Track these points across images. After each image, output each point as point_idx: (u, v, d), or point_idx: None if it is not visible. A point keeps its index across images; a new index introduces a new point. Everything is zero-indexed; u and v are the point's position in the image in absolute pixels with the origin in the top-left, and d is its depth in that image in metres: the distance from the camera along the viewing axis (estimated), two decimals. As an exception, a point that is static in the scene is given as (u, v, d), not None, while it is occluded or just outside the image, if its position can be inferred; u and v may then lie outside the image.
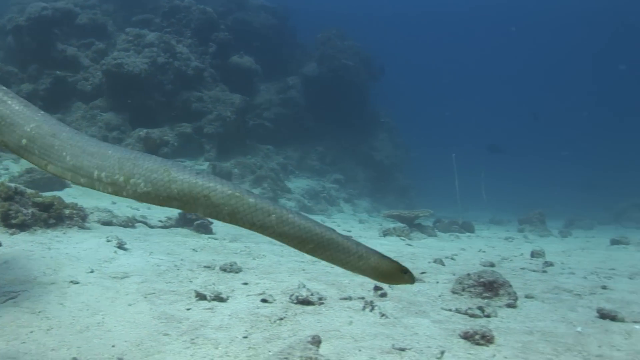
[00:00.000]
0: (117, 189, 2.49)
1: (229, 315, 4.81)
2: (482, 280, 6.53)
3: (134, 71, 19.07)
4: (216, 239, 9.77)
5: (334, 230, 2.68)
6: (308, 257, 8.58)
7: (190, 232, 10.27)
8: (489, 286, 6.48)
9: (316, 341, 3.68)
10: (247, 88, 24.41)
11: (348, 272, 6.88)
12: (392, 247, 11.58)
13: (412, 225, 16.10)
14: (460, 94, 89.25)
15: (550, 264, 10.68)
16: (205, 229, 10.37)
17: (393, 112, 36.50)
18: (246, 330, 4.43)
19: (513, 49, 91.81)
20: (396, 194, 28.75)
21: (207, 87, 22.20)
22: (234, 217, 2.53)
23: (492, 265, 9.94)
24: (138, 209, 12.72)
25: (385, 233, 14.58)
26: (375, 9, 79.37)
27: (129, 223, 10.14)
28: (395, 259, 2.77)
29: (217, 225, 11.41)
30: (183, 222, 10.70)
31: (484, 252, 12.66)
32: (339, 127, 27.69)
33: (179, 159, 19.10)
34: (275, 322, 4.64)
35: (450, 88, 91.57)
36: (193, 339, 4.16)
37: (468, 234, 18.87)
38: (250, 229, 2.57)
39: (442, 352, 4.21)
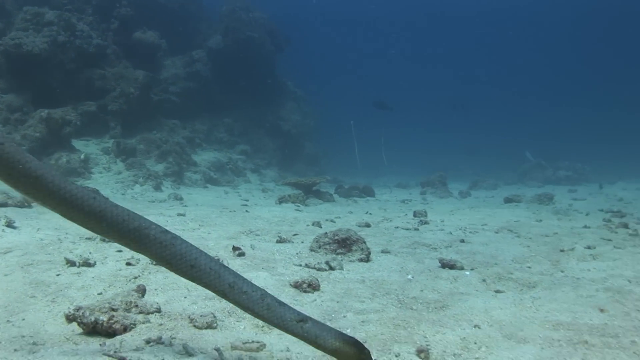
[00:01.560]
0: None
1: (93, 278, 5.35)
2: (336, 237, 7.24)
3: (34, 51, 18.88)
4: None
5: (293, 318, 3.18)
6: (190, 226, 9.18)
7: (85, 207, 10.55)
8: (343, 243, 7.20)
9: (140, 290, 4.35)
10: (152, 63, 24.48)
11: (217, 239, 7.51)
12: (280, 214, 12.22)
13: (310, 192, 16.74)
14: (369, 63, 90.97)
15: (426, 223, 11.51)
16: (100, 204, 10.61)
17: (301, 81, 37.08)
18: (103, 289, 4.99)
19: (423, 23, 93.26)
20: (305, 163, 29.40)
21: (110, 65, 22.17)
22: None
23: (368, 225, 10.70)
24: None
25: (281, 200, 15.21)
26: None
27: (25, 203, 10.38)
28: (352, 340, 3.20)
29: (112, 198, 11.85)
30: (79, 198, 10.92)
31: (370, 214, 13.44)
32: (246, 99, 27.99)
33: (84, 138, 19.23)
34: (130, 280, 5.21)
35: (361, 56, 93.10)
36: (54, 299, 4.67)
37: (367, 198, 19.64)
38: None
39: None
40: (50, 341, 3.58)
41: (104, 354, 3.32)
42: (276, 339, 3.89)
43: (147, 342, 3.59)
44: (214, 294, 3.24)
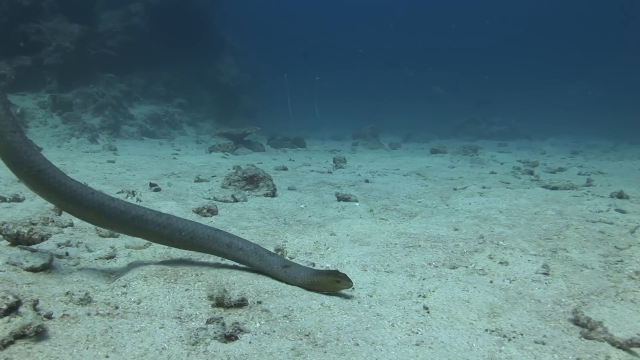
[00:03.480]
0: None
1: (21, 210, 6.09)
2: (245, 175, 8.11)
3: (-36, 5, 19.02)
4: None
5: (274, 261, 3.83)
6: (117, 170, 9.88)
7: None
8: (250, 180, 8.07)
9: (57, 209, 5.17)
10: (88, 17, 24.51)
11: (140, 179, 8.25)
12: (205, 160, 12.99)
13: (241, 142, 17.45)
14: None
15: (341, 167, 12.42)
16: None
17: (239, 35, 37.44)
18: (29, 217, 5.74)
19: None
20: (243, 116, 29.90)
21: (46, 18, 22.21)
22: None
23: (285, 169, 11.60)
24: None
25: (211, 149, 15.94)
26: None
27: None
28: (327, 272, 3.67)
29: (46, 150, 12.55)
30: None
31: (293, 161, 14.30)
32: (184, 53, 28.23)
33: (20, 92, 19.47)
34: (55, 214, 5.95)
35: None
36: (-14, 226, 5.39)
37: (298, 148, 20.42)
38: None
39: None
40: (-21, 251, 4.34)
41: (21, 249, 4.15)
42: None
43: (58, 245, 4.44)
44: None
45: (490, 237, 5.40)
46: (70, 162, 10.60)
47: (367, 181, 10.14)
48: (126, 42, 25.75)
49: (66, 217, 5.33)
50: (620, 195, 8.31)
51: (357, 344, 2.86)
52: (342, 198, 7.76)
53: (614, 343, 3.06)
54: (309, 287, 3.67)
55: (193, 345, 2.72)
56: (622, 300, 3.76)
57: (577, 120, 40.38)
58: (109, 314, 3.00)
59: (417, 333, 3.06)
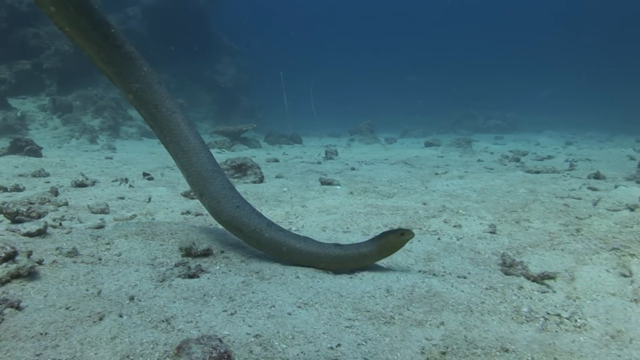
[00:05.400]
0: None
1: (21, 198, 6.53)
2: (233, 164, 8.57)
3: (-36, 11, 19.48)
4: (40, 158, 11.22)
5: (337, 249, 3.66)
6: (114, 165, 10.34)
7: (20, 156, 11.52)
8: (239, 168, 8.53)
9: (54, 191, 5.69)
10: (86, 22, 24.98)
11: (135, 172, 8.71)
12: (200, 155, 13.37)
13: (238, 139, 17.89)
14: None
15: (331, 159, 12.85)
16: (35, 153, 11.62)
17: (237, 36, 37.85)
18: (27, 198, 6.23)
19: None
20: (241, 116, 30.30)
21: (44, 23, 22.66)
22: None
23: (277, 160, 12.06)
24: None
25: (208, 146, 16.35)
26: None
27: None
28: (383, 234, 3.64)
29: (47, 150, 13.03)
30: (15, 149, 11.86)
31: (287, 154, 14.74)
32: (182, 54, 28.66)
33: (20, 96, 19.92)
34: (51, 195, 6.44)
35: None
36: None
37: (294, 145, 20.86)
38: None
39: (150, 198, 6.22)
40: (-17, 229, 4.82)
41: (19, 221, 4.63)
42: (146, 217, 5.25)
43: (54, 220, 4.91)
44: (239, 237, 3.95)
45: (452, 208, 5.86)
46: (69, 159, 11.08)
47: (353, 169, 10.57)
48: (124, 45, 26.06)
49: (62, 196, 5.83)
50: (597, 176, 8.70)
51: (298, 277, 3.40)
52: (325, 182, 8.19)
53: (528, 277, 3.59)
54: (378, 256, 3.64)
55: (160, 282, 3.27)
56: (553, 249, 4.26)
57: (574, 113, 40.63)
58: (92, 262, 3.53)
59: (355, 272, 3.56)
